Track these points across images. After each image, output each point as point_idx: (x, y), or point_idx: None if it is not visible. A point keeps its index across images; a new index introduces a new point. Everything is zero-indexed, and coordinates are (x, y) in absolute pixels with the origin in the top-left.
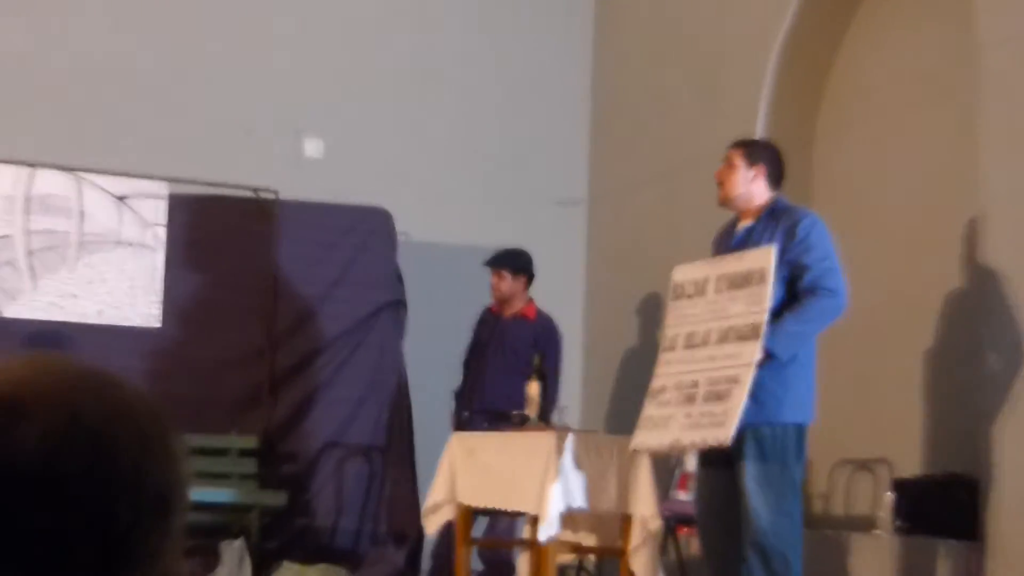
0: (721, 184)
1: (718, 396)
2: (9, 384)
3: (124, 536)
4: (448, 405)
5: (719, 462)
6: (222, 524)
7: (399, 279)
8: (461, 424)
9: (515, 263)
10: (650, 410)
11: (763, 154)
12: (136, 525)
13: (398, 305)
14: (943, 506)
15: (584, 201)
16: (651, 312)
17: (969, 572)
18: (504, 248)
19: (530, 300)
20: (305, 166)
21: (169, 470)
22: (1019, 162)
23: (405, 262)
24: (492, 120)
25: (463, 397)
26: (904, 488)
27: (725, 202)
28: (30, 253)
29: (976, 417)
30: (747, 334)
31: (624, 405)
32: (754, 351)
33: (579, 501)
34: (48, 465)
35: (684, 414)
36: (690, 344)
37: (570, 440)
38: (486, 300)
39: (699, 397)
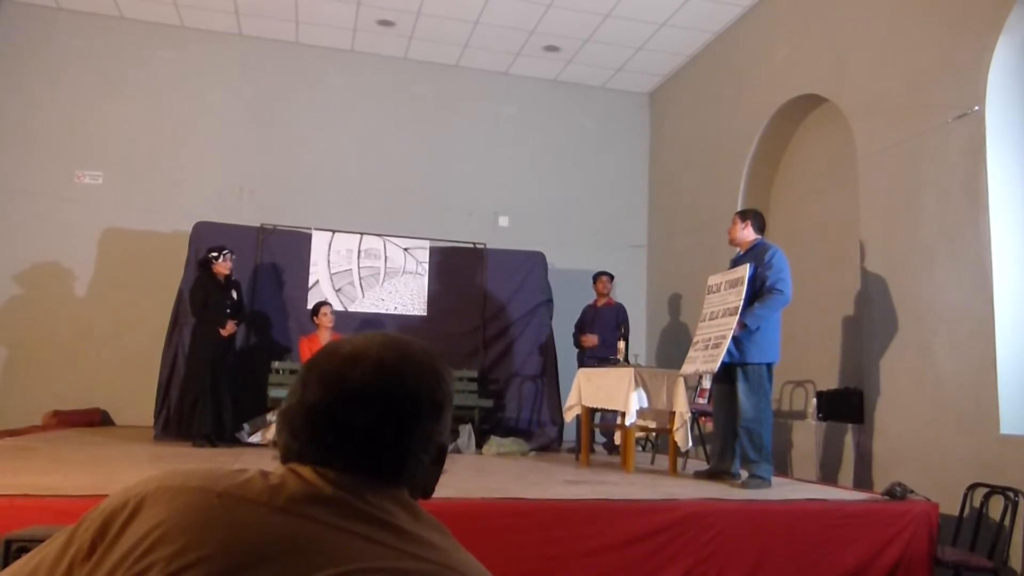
0: (730, 233)
1: (716, 346)
2: (352, 345)
3: (421, 422)
4: (573, 352)
5: (726, 381)
6: (460, 416)
7: (548, 288)
8: (582, 363)
9: (611, 275)
10: (690, 353)
11: (750, 215)
12: (429, 417)
13: (548, 302)
14: (844, 405)
15: (644, 245)
16: (678, 305)
17: (859, 443)
18: (604, 270)
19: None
20: (499, 230)
21: (445, 385)
22: (881, 216)
23: (551, 279)
24: (595, 197)
25: (579, 349)
26: (822, 395)
27: (732, 243)
28: (360, 279)
29: (861, 357)
30: (732, 312)
31: (668, 352)
32: (733, 323)
33: (646, 403)
34: (367, 387)
35: (701, 356)
36: (711, 318)
37: (641, 372)
38: (590, 299)
39: (709, 346)
